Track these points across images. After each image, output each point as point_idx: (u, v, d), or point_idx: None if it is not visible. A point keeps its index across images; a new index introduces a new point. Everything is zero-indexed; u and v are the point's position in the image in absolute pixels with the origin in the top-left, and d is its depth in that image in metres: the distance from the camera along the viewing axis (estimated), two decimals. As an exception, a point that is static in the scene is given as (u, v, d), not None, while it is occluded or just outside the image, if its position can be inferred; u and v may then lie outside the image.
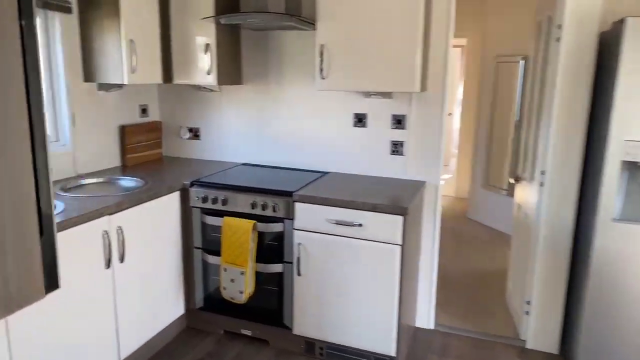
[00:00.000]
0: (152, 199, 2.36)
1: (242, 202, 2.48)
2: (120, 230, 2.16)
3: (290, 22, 2.45)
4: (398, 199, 2.30)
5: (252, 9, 2.59)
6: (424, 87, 2.52)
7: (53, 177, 2.47)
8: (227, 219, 2.48)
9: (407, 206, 2.19)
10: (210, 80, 2.73)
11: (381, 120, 2.77)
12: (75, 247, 1.94)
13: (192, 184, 2.59)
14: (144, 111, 3.16)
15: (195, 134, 3.24)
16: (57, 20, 2.46)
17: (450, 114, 7.20)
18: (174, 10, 2.74)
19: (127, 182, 2.64)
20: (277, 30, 2.87)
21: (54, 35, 2.47)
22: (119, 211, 2.15)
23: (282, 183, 2.58)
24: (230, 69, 2.87)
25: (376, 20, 2.35)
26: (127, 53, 2.51)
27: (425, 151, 2.69)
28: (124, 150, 2.96)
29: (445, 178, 6.58)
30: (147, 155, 3.14)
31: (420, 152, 2.70)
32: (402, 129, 2.72)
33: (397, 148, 2.75)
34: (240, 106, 3.07)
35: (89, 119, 2.72)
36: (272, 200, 2.42)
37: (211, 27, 2.67)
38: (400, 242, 2.23)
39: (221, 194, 2.51)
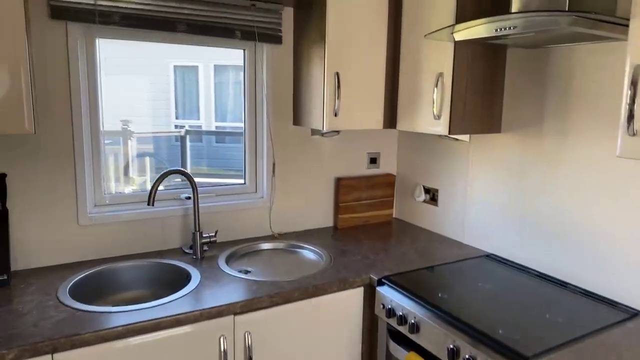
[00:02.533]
0: (309, 296, 1.64)
1: (434, 337, 1.45)
2: (247, 336, 1.54)
3: (589, 29, 1.27)
4: None
5: (519, 9, 1.52)
6: None
7: (246, 233, 2.13)
8: (412, 355, 1.51)
9: None
10: (439, 127, 1.80)
11: None
12: (183, 352, 1.44)
13: (380, 281, 1.73)
14: (373, 161, 2.49)
15: (432, 196, 2.33)
16: (264, 51, 2.10)
17: None
18: (405, 29, 1.96)
19: (309, 253, 2.03)
20: (557, 45, 1.67)
21: (261, 69, 2.11)
22: (250, 311, 1.54)
23: (523, 319, 1.40)
24: (479, 110, 1.84)
25: None
26: (329, 90, 1.89)
27: None
28: (337, 208, 2.37)
29: None
30: (368, 217, 2.44)
31: None
32: None
33: None
34: (493, 166, 1.98)
35: (296, 168, 2.25)
36: (486, 355, 1.29)
37: (448, 48, 1.75)
38: None
39: (413, 312, 1.54)
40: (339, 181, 2.35)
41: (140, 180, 2.22)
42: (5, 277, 1.59)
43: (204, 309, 1.45)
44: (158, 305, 1.46)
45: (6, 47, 1.33)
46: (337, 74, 1.89)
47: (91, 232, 1.83)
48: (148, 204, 1.69)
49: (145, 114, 2.24)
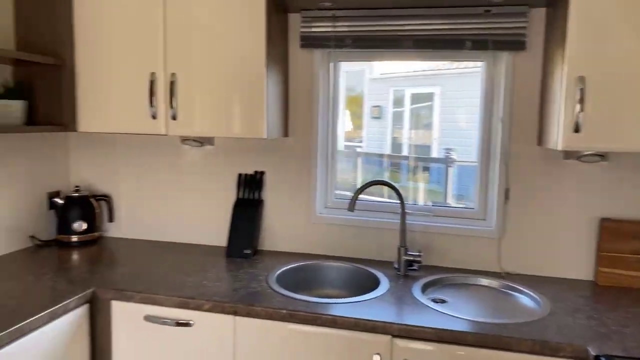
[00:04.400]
0: (488, 345, 1.33)
1: None
2: None
3: None
4: None
5: None
6: None
7: (463, 262, 1.94)
8: None
9: None
10: None
11: None
12: None
13: (598, 358, 1.22)
14: (668, 202, 1.77)
15: None
16: (503, 61, 1.83)
17: None
18: None
19: (526, 299, 1.63)
20: None
21: (500, 81, 1.86)
22: (410, 338, 1.39)
23: None
24: None
25: None
26: (568, 99, 1.49)
27: None
28: (598, 257, 1.80)
29: None
30: (650, 279, 1.74)
31: None
32: None
33: None
34: None
35: (540, 198, 1.86)
36: None
37: None
38: None
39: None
40: (603, 222, 1.79)
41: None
42: (250, 252, 2.01)
43: (359, 319, 1.42)
44: (327, 302, 1.53)
45: (251, 77, 1.73)
46: (581, 77, 1.47)
47: (318, 229, 2.08)
48: (348, 209, 1.78)
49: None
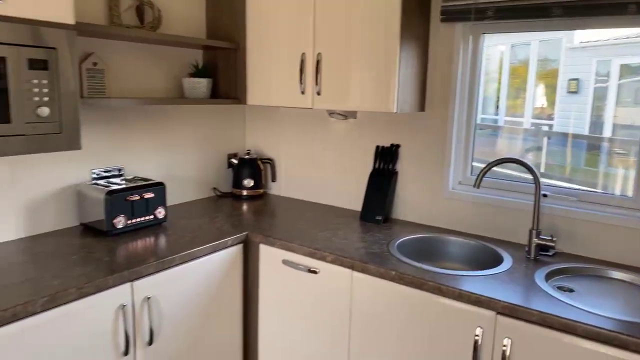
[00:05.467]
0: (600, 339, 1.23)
1: None
2: (508, 343, 1.37)
3: None
4: None
5: None
6: None
7: (607, 254, 1.76)
8: None
9: None
10: None
11: None
12: None
13: None
14: None
15: None
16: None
17: None
18: None
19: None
20: None
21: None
22: (514, 317, 1.37)
23: None
24: None
25: None
26: None
27: None
28: None
29: None
30: None
31: None
32: None
33: None
34: None
35: None
36: None
37: None
38: None
39: None
40: None
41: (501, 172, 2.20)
42: (380, 218, 2.16)
43: (464, 290, 1.46)
44: (436, 271, 1.60)
45: (384, 53, 1.83)
46: None
47: (449, 204, 2.10)
48: (474, 186, 1.77)
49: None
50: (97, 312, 1.47)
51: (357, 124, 2.34)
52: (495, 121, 2.17)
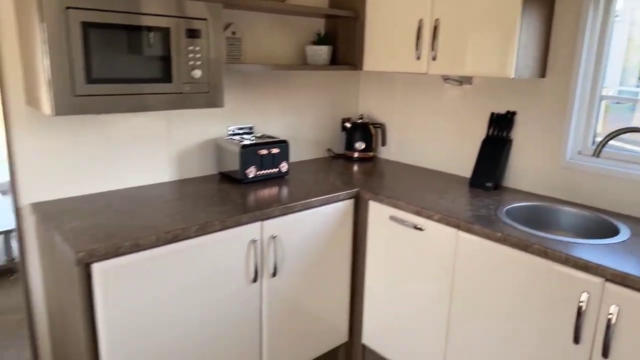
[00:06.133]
0: None
1: None
2: (615, 310, 1.36)
3: None
4: None
5: None
6: None
7: None
8: None
9: None
10: None
11: None
12: None
13: None
14: None
15: None
16: None
17: None
18: None
19: None
20: None
21: None
22: (623, 285, 1.35)
23: None
24: None
25: None
26: None
27: None
28: None
29: None
30: None
31: None
32: None
33: None
34: None
35: None
36: None
37: None
38: None
39: None
40: None
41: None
42: (490, 185, 2.18)
43: (570, 255, 1.48)
44: (542, 235, 1.62)
45: (504, 19, 1.82)
46: None
47: (565, 174, 2.05)
48: (593, 155, 1.71)
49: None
50: (235, 242, 1.75)
51: (472, 90, 2.35)
52: (636, 94, 2.04)
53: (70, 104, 1.50)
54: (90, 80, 1.52)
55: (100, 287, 1.44)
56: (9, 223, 3.42)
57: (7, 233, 3.32)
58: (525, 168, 2.19)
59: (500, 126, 2.23)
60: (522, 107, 2.17)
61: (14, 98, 1.72)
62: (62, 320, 1.72)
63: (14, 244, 3.66)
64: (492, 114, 2.25)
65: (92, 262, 1.42)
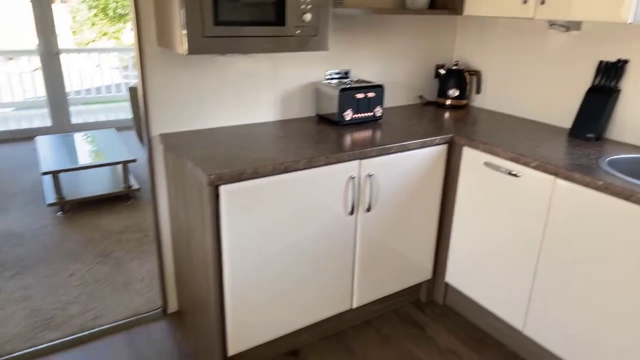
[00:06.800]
0: None
1: None
2: None
3: None
4: None
5: None
6: None
7: None
8: None
9: None
10: None
11: None
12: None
13: None
14: None
15: None
16: None
17: None
18: None
19: None
20: None
21: None
22: None
23: None
24: None
25: None
26: None
27: None
28: None
29: None
30: None
31: None
32: None
33: None
34: None
35: None
36: None
37: None
38: None
39: None
40: None
41: None
42: (592, 136, 2.13)
43: (678, 206, 1.46)
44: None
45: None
46: None
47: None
48: None
49: None
50: (336, 177, 1.91)
51: (579, 37, 2.24)
52: None
53: (201, 44, 1.68)
54: (217, 22, 1.69)
55: (225, 206, 1.67)
56: (127, 154, 3.87)
57: (125, 163, 3.78)
58: (633, 121, 2.10)
59: (608, 75, 2.13)
60: (635, 55, 2.06)
61: (147, 40, 1.94)
62: (186, 237, 2.01)
63: (131, 174, 4.08)
64: (601, 62, 2.15)
65: (220, 185, 1.64)
